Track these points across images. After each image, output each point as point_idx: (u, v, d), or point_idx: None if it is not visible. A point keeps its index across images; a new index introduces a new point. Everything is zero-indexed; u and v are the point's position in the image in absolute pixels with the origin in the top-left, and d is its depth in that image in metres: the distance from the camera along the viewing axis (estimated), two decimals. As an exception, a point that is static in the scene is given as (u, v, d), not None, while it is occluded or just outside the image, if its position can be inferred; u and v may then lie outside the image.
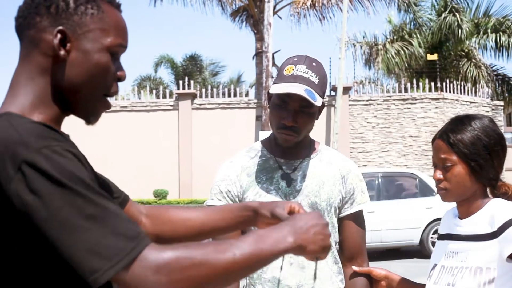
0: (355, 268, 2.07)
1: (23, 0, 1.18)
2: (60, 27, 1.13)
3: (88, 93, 1.17)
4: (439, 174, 1.86)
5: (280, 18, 28.09)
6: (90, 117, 1.20)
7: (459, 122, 1.87)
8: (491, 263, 1.77)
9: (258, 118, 19.97)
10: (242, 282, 2.06)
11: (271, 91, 1.98)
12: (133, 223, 1.03)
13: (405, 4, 23.52)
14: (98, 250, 0.98)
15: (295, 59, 2.01)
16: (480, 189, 1.86)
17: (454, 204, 1.94)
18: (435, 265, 1.94)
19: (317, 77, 1.96)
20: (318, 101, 1.92)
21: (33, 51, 1.15)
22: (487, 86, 23.95)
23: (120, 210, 1.04)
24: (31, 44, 1.15)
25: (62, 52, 1.13)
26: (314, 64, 1.99)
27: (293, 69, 1.96)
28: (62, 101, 1.16)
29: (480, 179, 1.84)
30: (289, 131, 1.96)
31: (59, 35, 1.13)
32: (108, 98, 1.21)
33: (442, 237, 1.97)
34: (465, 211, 1.88)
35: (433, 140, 1.92)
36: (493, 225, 1.77)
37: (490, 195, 1.90)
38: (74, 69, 1.15)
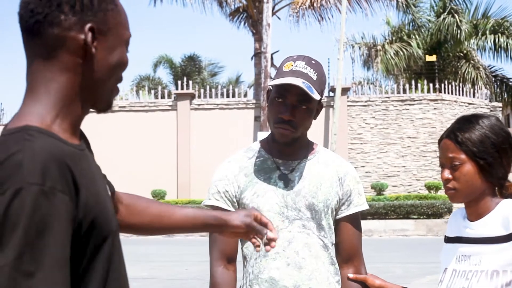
0: (350, 275, 2.06)
1: None
2: (90, 24, 1.12)
3: (110, 86, 1.20)
4: (448, 174, 1.82)
5: (279, 18, 28.11)
6: (110, 107, 1.23)
7: (467, 121, 1.85)
8: (507, 266, 1.73)
9: (257, 118, 19.98)
10: (239, 283, 2.06)
11: (269, 84, 2.00)
12: None
13: (404, 5, 23.54)
14: None
15: (295, 57, 2.02)
16: (489, 189, 1.82)
17: (459, 205, 1.93)
18: (446, 269, 1.90)
19: (316, 74, 1.97)
20: (316, 96, 1.93)
21: (58, 50, 1.11)
22: (486, 87, 23.99)
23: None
24: (55, 42, 1.11)
25: (93, 49, 1.13)
26: (313, 62, 2.00)
27: (292, 65, 1.98)
28: (86, 97, 1.16)
29: (489, 178, 1.81)
30: (287, 125, 1.96)
31: (90, 33, 1.12)
32: None
33: (451, 240, 1.93)
34: (474, 212, 1.84)
35: (440, 140, 1.90)
36: (508, 227, 1.74)
37: (498, 196, 1.87)
38: (100, 64, 1.15)
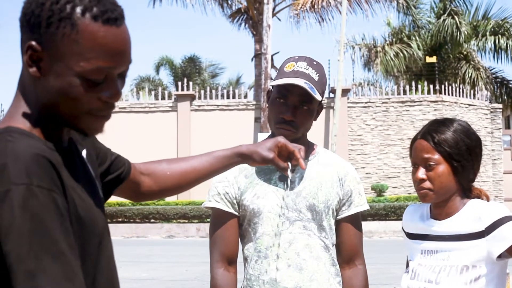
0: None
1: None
2: (31, 42, 1.06)
3: (67, 112, 1.11)
4: (422, 174, 1.87)
5: (279, 20, 28.13)
6: (84, 132, 1.15)
7: (441, 124, 1.91)
8: (478, 262, 1.81)
9: (257, 119, 19.98)
10: (240, 284, 2.06)
11: (271, 84, 2.00)
12: None
13: (404, 7, 23.55)
14: None
15: (296, 57, 2.03)
16: (459, 190, 1.89)
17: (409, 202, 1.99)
18: (411, 261, 1.98)
19: (317, 74, 1.98)
20: (318, 96, 1.94)
21: (25, 68, 1.11)
22: (486, 89, 23.99)
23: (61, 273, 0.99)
24: (21, 55, 1.11)
25: (32, 70, 1.08)
26: (314, 63, 2.01)
27: (293, 66, 1.98)
28: (54, 114, 1.12)
29: (460, 179, 1.87)
30: (288, 126, 1.96)
31: (29, 51, 1.07)
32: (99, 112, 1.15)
33: (413, 236, 2.01)
34: (442, 212, 1.91)
35: (414, 140, 1.94)
36: (481, 224, 1.80)
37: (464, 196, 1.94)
38: (45, 89, 1.09)
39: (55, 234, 0.99)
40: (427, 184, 1.87)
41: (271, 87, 2.04)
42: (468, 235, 1.83)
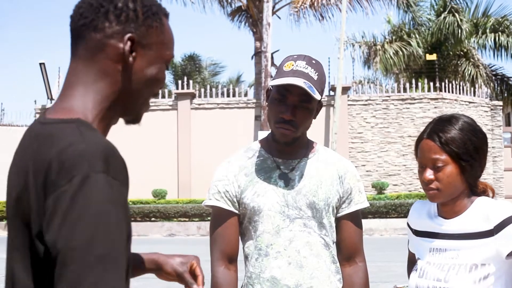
0: None
1: (84, 2, 1.19)
2: (130, 34, 1.17)
3: (142, 99, 1.23)
4: (430, 175, 1.85)
5: (279, 18, 28.11)
6: (139, 119, 1.27)
7: (447, 122, 1.87)
8: (487, 260, 1.80)
9: (257, 118, 19.97)
10: (240, 282, 2.06)
11: (270, 84, 1.99)
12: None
13: (404, 4, 23.52)
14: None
15: (295, 56, 2.02)
16: (466, 188, 1.88)
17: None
18: (419, 259, 1.97)
19: (316, 73, 1.97)
20: (317, 95, 1.93)
21: (98, 54, 1.17)
22: (486, 86, 23.98)
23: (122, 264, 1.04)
24: (96, 47, 1.17)
25: (130, 59, 1.18)
26: (313, 61, 2.00)
27: (292, 65, 1.97)
28: (119, 105, 1.20)
29: (469, 178, 1.85)
30: (288, 125, 1.96)
31: (129, 42, 1.17)
32: None
33: (421, 234, 1.98)
34: (451, 210, 1.89)
35: (419, 140, 1.91)
36: (489, 223, 1.79)
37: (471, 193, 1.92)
38: (136, 76, 1.19)
39: (121, 225, 1.03)
40: (436, 184, 1.85)
41: (270, 86, 2.04)
42: (476, 234, 1.81)
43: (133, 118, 1.26)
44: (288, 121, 1.95)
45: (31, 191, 1.06)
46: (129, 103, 1.22)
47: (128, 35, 1.17)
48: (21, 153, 1.15)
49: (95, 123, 1.16)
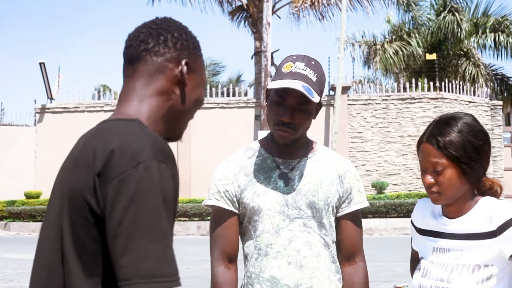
0: None
1: (144, 29, 1.36)
2: (186, 59, 1.35)
3: (187, 118, 1.40)
4: (430, 178, 1.85)
5: (279, 17, 28.10)
6: (180, 137, 1.42)
7: (446, 124, 1.86)
8: (490, 261, 1.80)
9: (257, 117, 19.97)
10: (240, 282, 2.06)
11: (269, 87, 1.99)
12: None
13: (404, 4, 23.52)
14: (157, 264, 1.11)
15: (294, 57, 2.01)
16: (469, 189, 1.87)
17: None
18: (422, 258, 1.97)
19: (315, 75, 1.96)
20: (315, 98, 1.92)
21: (157, 75, 1.33)
22: (486, 86, 23.98)
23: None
24: (156, 69, 1.33)
25: (186, 81, 1.35)
26: (312, 62, 1.99)
27: (291, 67, 1.96)
28: (166, 122, 1.35)
29: (471, 179, 1.84)
30: (286, 127, 1.96)
31: (186, 66, 1.34)
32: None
33: (425, 232, 1.98)
34: (455, 210, 1.89)
35: (419, 143, 1.91)
36: (492, 224, 1.79)
37: (475, 192, 1.92)
38: (188, 96, 1.36)
39: (172, 212, 1.17)
40: (437, 187, 1.84)
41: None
42: (479, 235, 1.81)
43: (175, 135, 1.40)
44: (287, 123, 1.95)
45: (88, 175, 1.17)
46: (176, 121, 1.37)
47: (185, 60, 1.35)
48: (79, 146, 1.26)
49: (149, 127, 1.29)
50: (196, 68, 1.38)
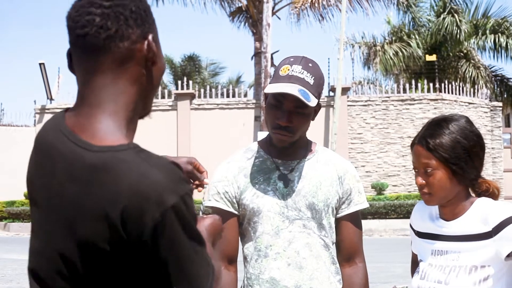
0: None
1: (94, 8, 1.14)
2: (152, 35, 1.18)
3: (156, 92, 1.25)
4: (421, 180, 1.87)
5: (279, 18, 28.11)
6: (149, 113, 1.27)
7: (437, 126, 1.88)
8: (486, 262, 1.81)
9: (257, 118, 19.97)
10: (240, 283, 2.06)
11: (266, 91, 1.99)
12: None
13: (404, 5, 23.52)
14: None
15: (291, 59, 2.00)
16: (463, 190, 1.88)
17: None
18: (421, 261, 1.97)
19: (313, 77, 1.96)
20: (312, 102, 1.92)
21: (128, 62, 1.16)
22: (486, 87, 23.98)
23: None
24: (124, 56, 1.15)
25: (157, 58, 1.19)
26: (310, 64, 1.98)
27: (288, 69, 1.96)
28: (140, 105, 1.21)
29: (462, 181, 1.85)
30: (284, 131, 1.96)
31: (154, 43, 1.18)
32: None
33: (423, 235, 1.99)
34: (450, 212, 1.90)
35: (412, 145, 1.93)
36: (487, 225, 1.80)
37: (472, 193, 1.92)
38: (157, 72, 1.21)
39: (200, 239, 1.14)
40: (428, 188, 1.87)
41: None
42: (475, 236, 1.82)
43: (146, 113, 1.25)
44: (285, 127, 1.95)
45: (104, 228, 1.06)
46: (147, 100, 1.22)
47: (151, 35, 1.18)
48: (71, 181, 1.10)
49: (130, 134, 1.17)
50: (157, 38, 1.21)
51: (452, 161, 1.83)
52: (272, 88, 1.94)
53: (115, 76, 1.15)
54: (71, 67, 1.19)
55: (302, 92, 1.90)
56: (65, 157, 1.11)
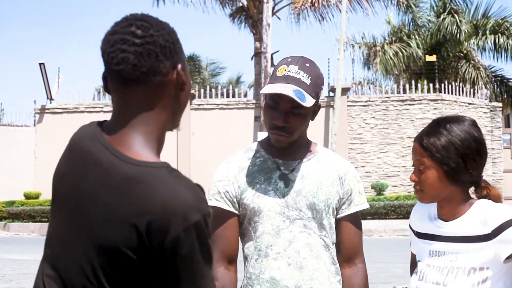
0: None
1: (127, 45, 1.25)
2: (180, 65, 1.30)
3: (183, 110, 1.37)
4: (414, 176, 1.89)
5: (279, 18, 28.11)
6: (179, 125, 1.40)
7: (436, 125, 1.89)
8: (485, 264, 1.80)
9: (257, 118, 19.97)
10: (240, 283, 2.06)
11: (262, 91, 1.99)
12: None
13: (404, 5, 23.53)
14: None
15: (289, 59, 2.00)
16: (457, 191, 1.87)
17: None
18: (419, 261, 1.97)
19: (309, 78, 1.95)
20: (308, 102, 1.92)
21: (160, 94, 1.28)
22: (486, 88, 23.99)
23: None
24: (157, 88, 1.27)
25: (185, 86, 1.32)
26: (307, 64, 1.98)
27: (285, 70, 1.96)
28: (170, 123, 1.34)
29: (454, 182, 1.85)
30: (281, 131, 1.96)
31: (182, 72, 1.30)
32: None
33: (422, 236, 1.99)
34: (448, 212, 1.90)
35: (414, 141, 1.95)
36: (487, 227, 1.79)
37: (474, 196, 1.92)
38: (183, 97, 1.34)
39: (211, 257, 1.25)
40: (419, 185, 1.88)
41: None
42: (474, 238, 1.81)
43: (175, 127, 1.37)
44: (281, 127, 1.96)
45: (131, 233, 1.16)
46: (177, 117, 1.36)
47: (179, 65, 1.30)
48: (105, 186, 1.21)
49: (159, 151, 1.30)
50: (185, 65, 1.33)
51: (443, 162, 1.83)
52: (267, 88, 1.94)
53: (147, 103, 1.27)
54: (107, 88, 1.31)
55: (297, 92, 1.90)
56: (101, 165, 1.22)
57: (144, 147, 1.25)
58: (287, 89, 1.90)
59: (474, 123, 1.90)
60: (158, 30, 1.28)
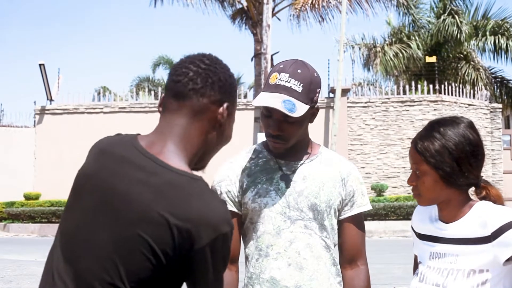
0: None
1: (192, 65, 1.43)
2: (227, 103, 1.46)
3: (216, 152, 1.52)
4: (411, 180, 1.89)
5: (279, 19, 28.06)
6: (206, 167, 1.53)
7: (431, 129, 1.87)
8: (485, 266, 1.79)
9: (257, 119, 19.97)
10: (241, 283, 2.06)
11: (253, 103, 1.99)
12: None
13: (404, 6, 23.54)
14: None
15: (281, 66, 1.98)
16: (455, 193, 1.86)
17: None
18: (420, 263, 1.97)
19: (301, 84, 1.92)
20: (298, 111, 1.90)
21: (201, 115, 1.43)
22: (486, 89, 23.98)
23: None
24: (201, 109, 1.43)
25: (225, 124, 1.47)
26: (299, 71, 1.95)
27: (276, 78, 1.94)
28: (199, 156, 1.47)
29: (450, 185, 1.84)
30: (276, 139, 1.97)
31: (227, 110, 1.45)
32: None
33: (423, 237, 1.98)
34: (448, 214, 1.89)
35: (411, 144, 1.94)
36: (486, 229, 1.78)
37: (475, 197, 1.91)
38: (219, 138, 1.48)
39: (226, 266, 1.40)
40: (417, 189, 1.88)
41: None
42: (474, 240, 1.81)
43: (202, 167, 1.51)
44: (276, 136, 1.96)
45: (166, 233, 1.28)
46: (206, 156, 1.49)
47: (226, 104, 1.45)
48: (144, 187, 1.33)
49: (191, 166, 1.43)
50: (232, 110, 1.48)
51: (437, 166, 1.82)
52: (257, 100, 1.93)
53: (189, 121, 1.42)
54: (160, 105, 1.49)
55: (286, 104, 1.88)
56: (144, 168, 1.35)
57: (181, 159, 1.39)
58: (276, 101, 1.89)
59: (470, 125, 1.88)
60: (223, 68, 1.46)
